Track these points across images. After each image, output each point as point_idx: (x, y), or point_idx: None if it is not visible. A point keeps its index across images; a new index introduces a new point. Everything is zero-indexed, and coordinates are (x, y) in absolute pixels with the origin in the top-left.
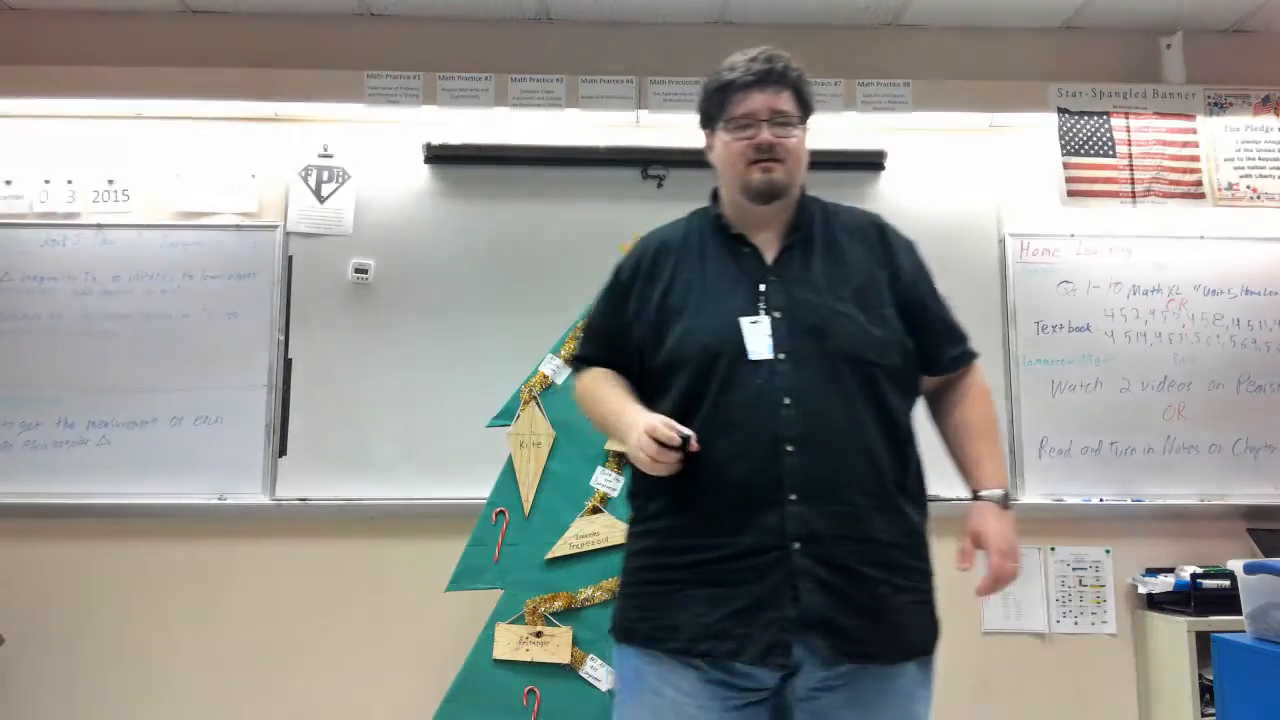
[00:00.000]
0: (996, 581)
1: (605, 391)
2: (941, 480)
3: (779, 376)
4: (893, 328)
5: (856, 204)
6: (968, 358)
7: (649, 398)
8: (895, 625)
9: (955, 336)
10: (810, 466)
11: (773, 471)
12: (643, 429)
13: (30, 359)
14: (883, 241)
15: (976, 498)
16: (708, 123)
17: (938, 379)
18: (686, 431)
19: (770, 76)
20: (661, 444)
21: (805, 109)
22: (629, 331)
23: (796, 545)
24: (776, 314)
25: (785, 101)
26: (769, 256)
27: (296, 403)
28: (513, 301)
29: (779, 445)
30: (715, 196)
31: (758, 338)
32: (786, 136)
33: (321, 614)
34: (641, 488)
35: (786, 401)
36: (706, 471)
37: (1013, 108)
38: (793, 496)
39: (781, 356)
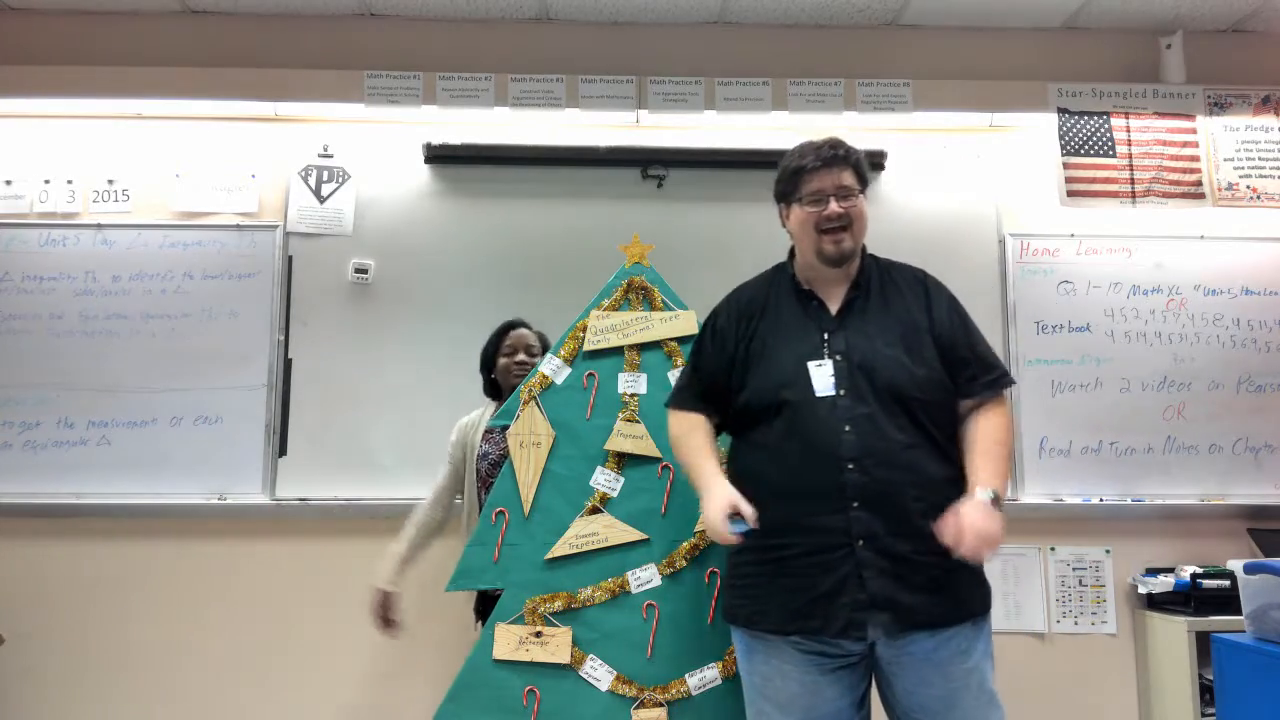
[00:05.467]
0: (963, 549)
1: (693, 448)
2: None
3: (840, 409)
4: (933, 367)
5: None
6: (998, 385)
7: (739, 427)
8: (949, 597)
9: (985, 368)
10: (867, 480)
11: (836, 484)
12: (717, 511)
13: (30, 359)
14: (925, 294)
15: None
16: (783, 199)
17: (970, 404)
18: (750, 517)
19: (835, 159)
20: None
21: (864, 182)
22: (725, 371)
23: (860, 542)
24: (838, 357)
25: (847, 178)
26: (833, 308)
27: (296, 403)
28: (513, 302)
29: (841, 464)
30: (791, 255)
31: (822, 378)
32: (851, 206)
33: (321, 614)
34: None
35: (847, 429)
36: (784, 485)
37: (1013, 108)
38: (855, 504)
39: (842, 393)
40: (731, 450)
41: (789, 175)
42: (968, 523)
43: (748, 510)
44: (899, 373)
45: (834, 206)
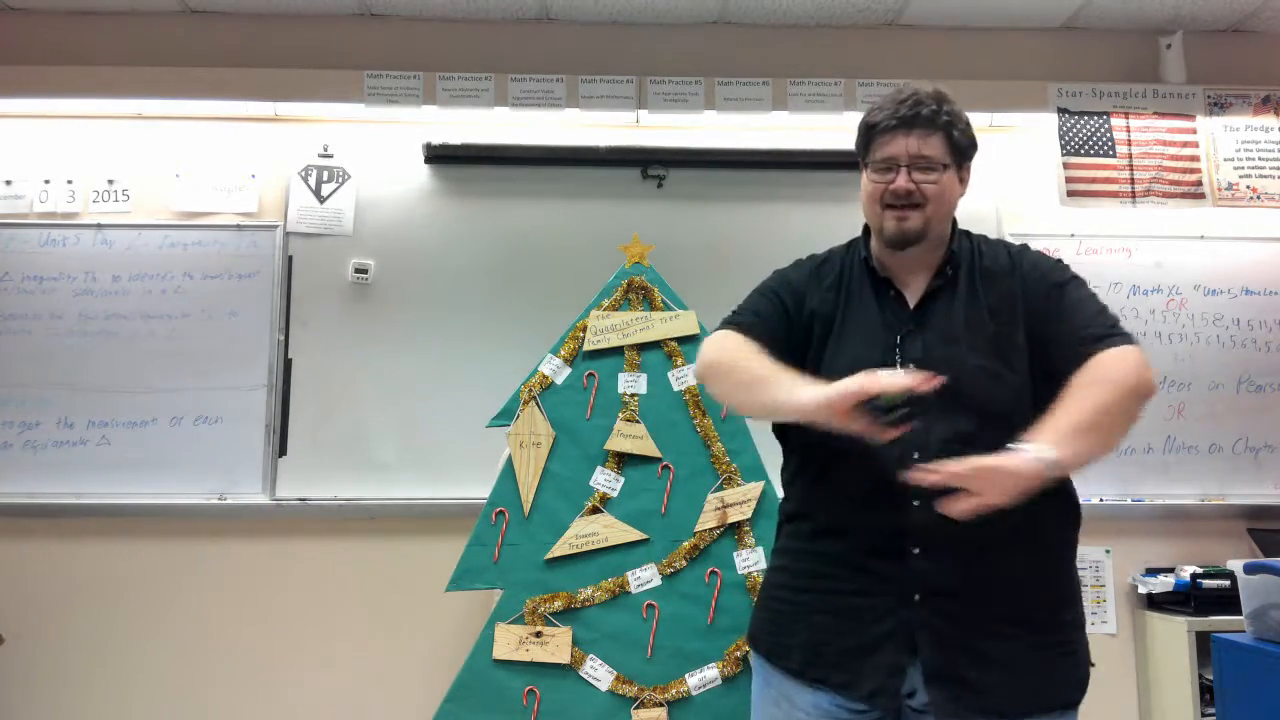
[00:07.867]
0: (947, 474)
1: (754, 358)
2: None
3: (912, 431)
4: (1023, 374)
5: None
6: (1103, 341)
7: (789, 434)
8: (1031, 679)
9: (1088, 339)
10: (937, 522)
11: (896, 523)
12: (851, 384)
13: (30, 359)
14: (1014, 271)
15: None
16: (860, 161)
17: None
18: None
19: (916, 120)
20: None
21: (958, 153)
22: (782, 325)
23: (916, 598)
24: (912, 365)
25: (931, 146)
26: (913, 301)
27: (296, 403)
28: (512, 301)
29: (906, 499)
30: (867, 232)
31: None
32: (928, 181)
33: (321, 614)
34: (789, 511)
35: (915, 456)
36: (839, 512)
37: (1013, 108)
38: (916, 550)
39: None
40: (784, 466)
41: (862, 133)
42: (977, 459)
43: (896, 380)
44: (989, 387)
45: (902, 181)
